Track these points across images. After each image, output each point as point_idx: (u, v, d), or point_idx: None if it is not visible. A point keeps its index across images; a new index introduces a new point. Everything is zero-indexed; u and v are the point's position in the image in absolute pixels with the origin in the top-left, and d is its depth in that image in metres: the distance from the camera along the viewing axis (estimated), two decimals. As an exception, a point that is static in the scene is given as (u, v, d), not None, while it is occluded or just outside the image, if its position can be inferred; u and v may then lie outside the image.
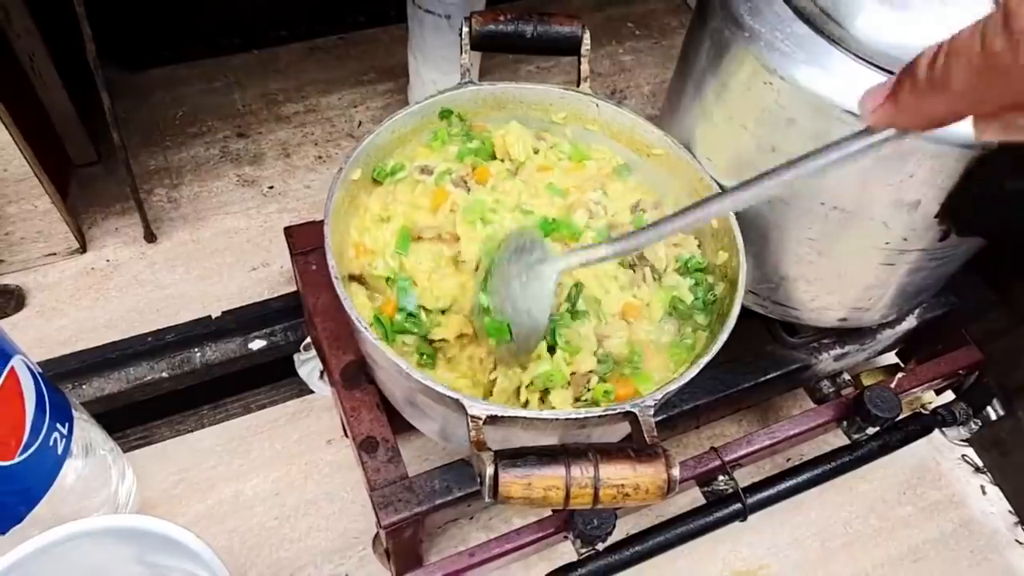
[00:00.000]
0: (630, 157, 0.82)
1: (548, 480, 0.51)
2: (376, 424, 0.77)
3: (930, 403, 1.11)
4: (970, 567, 1.00)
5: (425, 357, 0.69)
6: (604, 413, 0.58)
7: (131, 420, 0.99)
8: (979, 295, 0.98)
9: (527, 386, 0.66)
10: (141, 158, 1.21)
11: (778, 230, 0.75)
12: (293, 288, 1.06)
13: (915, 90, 0.37)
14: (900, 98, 0.39)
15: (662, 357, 0.70)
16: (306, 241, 0.88)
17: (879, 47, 0.62)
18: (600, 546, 0.81)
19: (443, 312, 0.70)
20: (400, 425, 0.79)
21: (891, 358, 1.10)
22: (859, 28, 0.63)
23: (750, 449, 0.88)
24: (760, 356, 0.89)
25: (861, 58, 0.62)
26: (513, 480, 0.51)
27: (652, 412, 0.58)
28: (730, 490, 0.87)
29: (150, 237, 1.11)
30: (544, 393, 0.66)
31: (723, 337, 0.65)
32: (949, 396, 1.08)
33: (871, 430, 0.91)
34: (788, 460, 1.04)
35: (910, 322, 0.93)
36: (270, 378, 1.05)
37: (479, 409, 0.57)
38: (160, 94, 1.31)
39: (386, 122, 0.75)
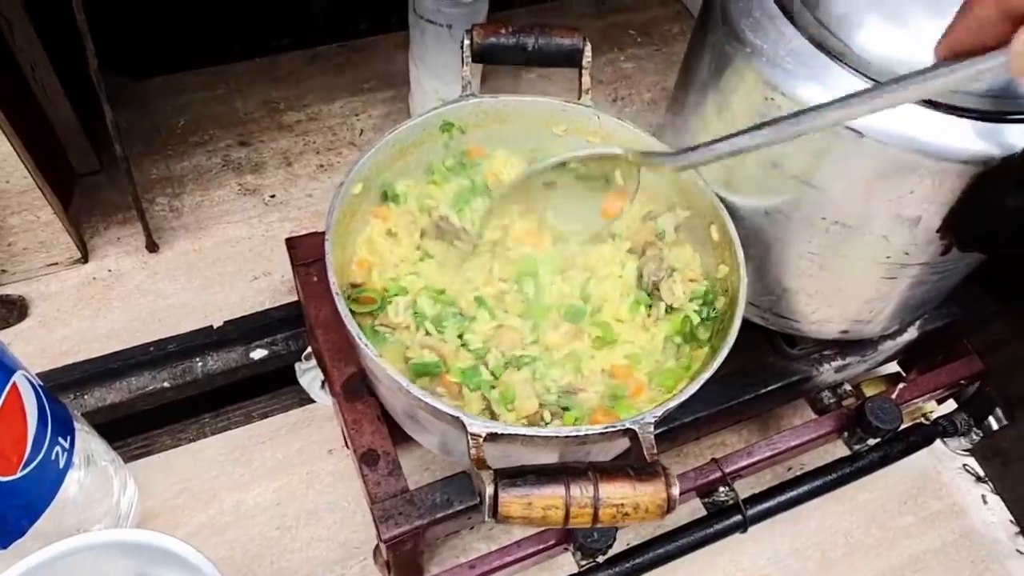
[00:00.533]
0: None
1: (548, 500, 0.51)
2: (377, 437, 0.77)
3: (931, 413, 1.11)
4: (971, 577, 1.00)
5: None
6: (604, 430, 0.58)
7: (133, 430, 1.00)
8: (981, 306, 0.98)
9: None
10: (143, 167, 1.21)
11: (779, 243, 0.75)
12: (294, 297, 1.06)
13: (965, 4, 0.37)
14: (956, 17, 0.38)
15: (654, 385, 0.71)
16: (308, 253, 0.88)
17: (881, 63, 0.62)
18: (600, 559, 0.81)
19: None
20: (401, 436, 0.79)
21: (893, 367, 1.10)
22: (860, 44, 0.63)
23: (751, 460, 0.88)
24: (761, 368, 0.89)
25: (863, 74, 0.62)
26: (513, 500, 0.51)
27: (652, 429, 0.58)
28: (731, 501, 0.87)
29: (152, 247, 1.12)
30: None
31: (724, 351, 0.65)
32: (951, 406, 1.08)
33: (872, 441, 0.91)
34: (789, 470, 1.04)
35: (911, 333, 0.93)
36: (271, 387, 1.05)
37: (479, 427, 0.57)
38: (162, 102, 1.31)
39: (387, 135, 0.76)
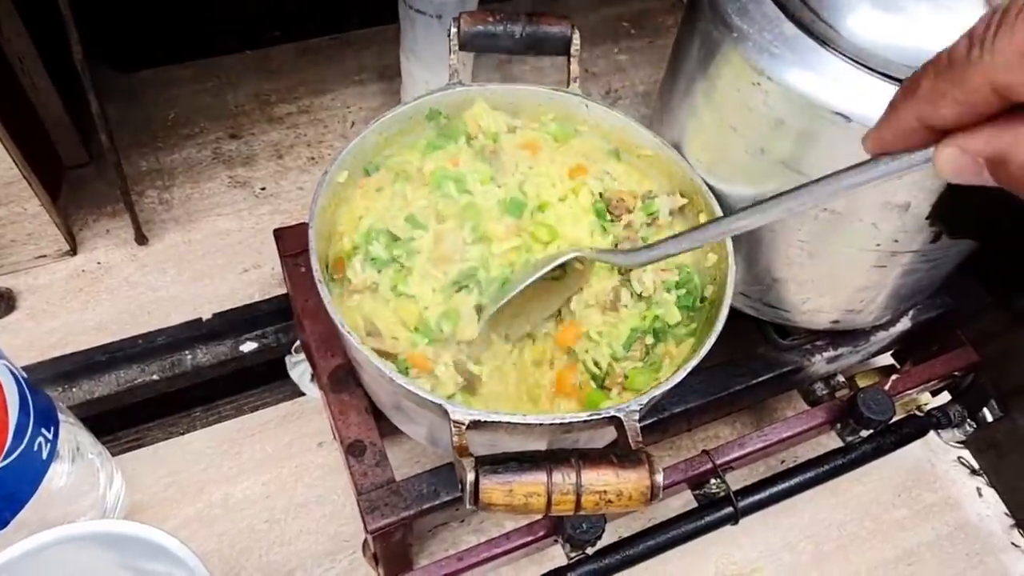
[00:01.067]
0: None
1: (529, 487, 0.50)
2: (364, 428, 0.77)
3: (925, 404, 1.10)
4: (966, 570, 0.99)
5: None
6: (589, 418, 0.58)
7: (122, 423, 0.99)
8: (975, 296, 0.97)
9: None
10: (132, 159, 1.21)
11: (769, 232, 0.74)
12: (284, 290, 1.05)
13: (892, 103, 0.37)
14: (884, 115, 0.38)
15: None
16: (295, 243, 0.87)
17: (869, 48, 0.62)
18: (590, 550, 0.80)
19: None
20: (389, 428, 0.78)
21: (886, 359, 1.09)
22: (849, 29, 0.63)
23: (742, 452, 0.88)
24: (752, 358, 0.89)
25: (851, 59, 0.61)
26: (494, 486, 0.50)
27: (637, 417, 0.57)
28: (722, 493, 0.87)
29: (141, 239, 1.11)
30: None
31: (711, 340, 0.65)
32: (945, 398, 1.07)
33: (865, 433, 0.90)
34: (782, 461, 1.04)
35: (904, 324, 0.92)
36: (261, 380, 1.05)
37: (461, 414, 0.56)
38: (152, 95, 1.30)
39: (373, 124, 0.75)
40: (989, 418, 1.01)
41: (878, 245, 0.70)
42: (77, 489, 0.79)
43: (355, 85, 1.36)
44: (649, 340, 0.70)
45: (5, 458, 0.67)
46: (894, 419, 0.90)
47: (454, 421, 0.56)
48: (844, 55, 0.62)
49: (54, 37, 0.94)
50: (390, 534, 0.74)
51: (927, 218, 0.67)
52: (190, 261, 1.11)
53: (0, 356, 0.69)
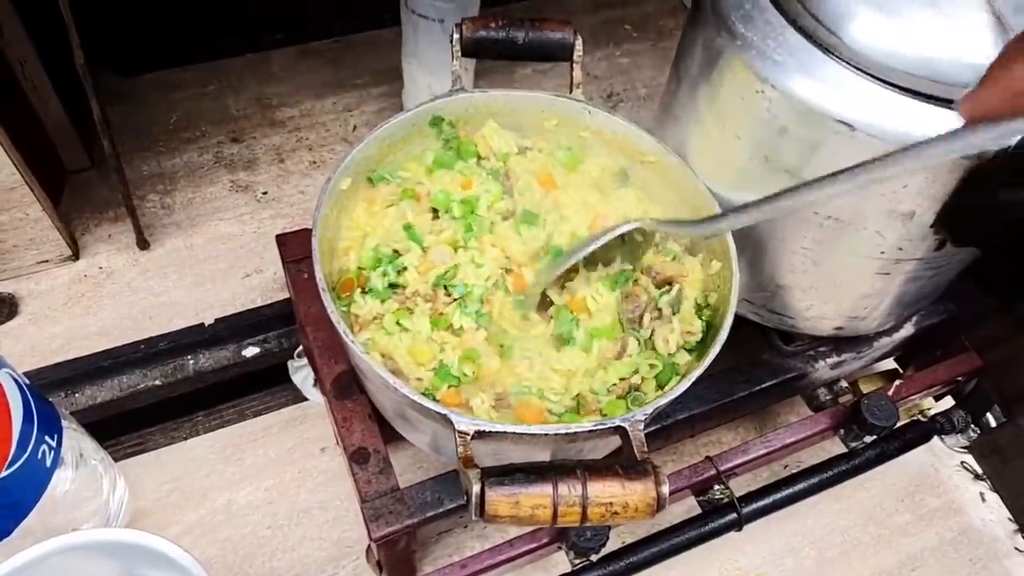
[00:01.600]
0: (623, 164, 0.82)
1: (535, 498, 0.50)
2: (367, 435, 0.77)
3: (929, 409, 1.10)
4: (969, 575, 0.99)
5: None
6: (594, 428, 0.58)
7: (124, 428, 0.99)
8: (978, 302, 0.97)
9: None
10: (134, 163, 1.20)
11: (773, 239, 0.74)
12: (287, 295, 1.05)
13: (991, 67, 0.36)
14: (988, 79, 0.37)
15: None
16: (298, 249, 0.87)
17: (872, 56, 0.61)
18: (594, 557, 0.80)
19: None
20: (392, 435, 0.78)
21: (890, 363, 1.09)
22: (852, 36, 0.62)
23: (746, 458, 0.87)
24: (756, 365, 0.88)
25: (854, 67, 0.61)
26: (500, 498, 0.50)
27: (643, 427, 0.57)
28: (726, 500, 0.87)
29: (143, 244, 1.11)
30: None
31: (716, 348, 0.64)
32: (948, 403, 1.07)
33: (868, 438, 0.90)
34: (785, 467, 1.03)
35: (908, 329, 0.92)
36: (264, 385, 1.05)
37: (467, 424, 0.56)
38: (154, 99, 1.30)
39: (376, 131, 0.75)
40: (992, 423, 1.01)
41: (882, 253, 0.70)
42: (80, 496, 0.79)
43: (356, 89, 1.36)
44: (636, 380, 0.69)
45: (9, 467, 0.67)
46: (898, 424, 0.90)
47: (459, 432, 0.56)
48: (847, 63, 0.62)
49: (55, 41, 0.94)
50: (394, 542, 0.74)
51: (931, 226, 0.67)
52: (192, 266, 1.11)
53: (3, 364, 0.69)
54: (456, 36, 0.76)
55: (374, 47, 1.42)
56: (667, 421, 0.83)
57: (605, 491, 0.51)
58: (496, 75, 1.39)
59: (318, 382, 0.91)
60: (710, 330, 0.70)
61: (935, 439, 1.02)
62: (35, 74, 1.04)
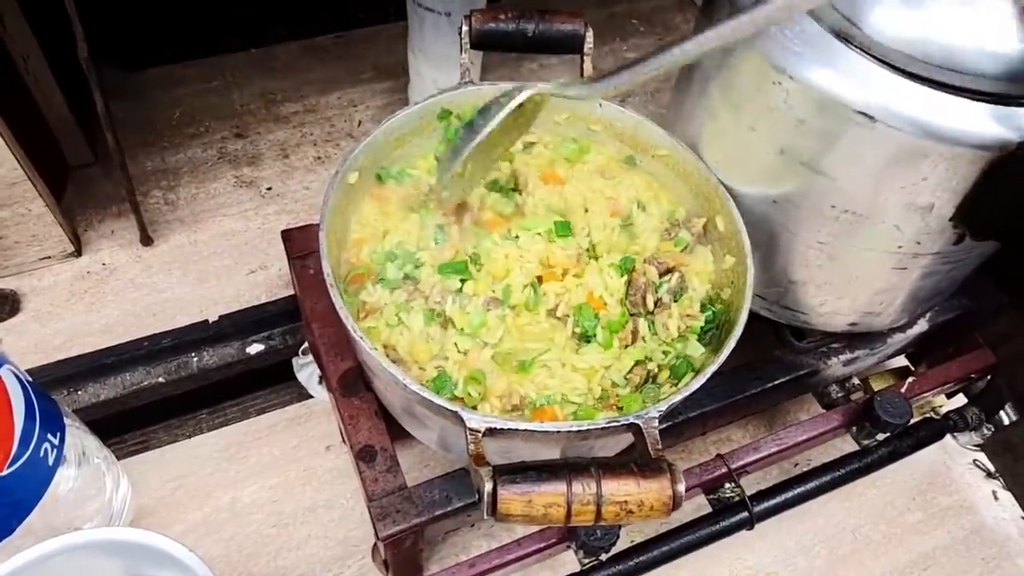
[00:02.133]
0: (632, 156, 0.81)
1: (549, 497, 0.49)
2: (374, 432, 0.76)
3: (941, 407, 1.08)
4: (982, 574, 0.98)
5: None
6: (607, 425, 0.57)
7: (128, 426, 0.98)
8: (992, 298, 0.96)
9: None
10: (138, 159, 1.19)
11: (787, 233, 0.73)
12: (291, 291, 1.04)
13: None
14: None
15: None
16: (304, 245, 0.86)
17: (892, 45, 0.60)
18: (603, 556, 0.79)
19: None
20: (399, 432, 0.77)
21: (901, 360, 1.08)
22: (871, 26, 0.61)
23: (757, 456, 0.86)
24: (768, 361, 0.87)
25: (873, 57, 0.60)
26: (513, 497, 0.49)
27: (657, 424, 0.56)
28: (737, 498, 0.85)
29: (146, 240, 1.10)
30: None
31: (731, 344, 0.64)
32: (961, 400, 1.06)
33: (881, 436, 0.89)
34: (796, 465, 1.02)
35: (921, 326, 0.91)
36: (268, 382, 1.03)
37: (478, 422, 0.55)
38: (157, 94, 1.29)
39: (384, 124, 0.74)
40: (1005, 421, 1.00)
41: (900, 247, 0.69)
42: (83, 494, 0.78)
43: (361, 84, 1.35)
44: (652, 367, 0.68)
45: (11, 465, 0.66)
46: (910, 422, 0.89)
47: (470, 429, 0.55)
48: (866, 53, 0.60)
49: (58, 36, 0.93)
50: (401, 541, 0.73)
51: (950, 219, 0.65)
52: (196, 262, 1.10)
53: (5, 361, 0.68)
54: (465, 28, 0.75)
55: (379, 42, 1.41)
56: (678, 418, 0.82)
57: (620, 489, 0.50)
58: (502, 71, 1.37)
59: (324, 379, 0.90)
60: (724, 325, 0.69)
61: (947, 437, 1.00)
62: (38, 69, 1.03)
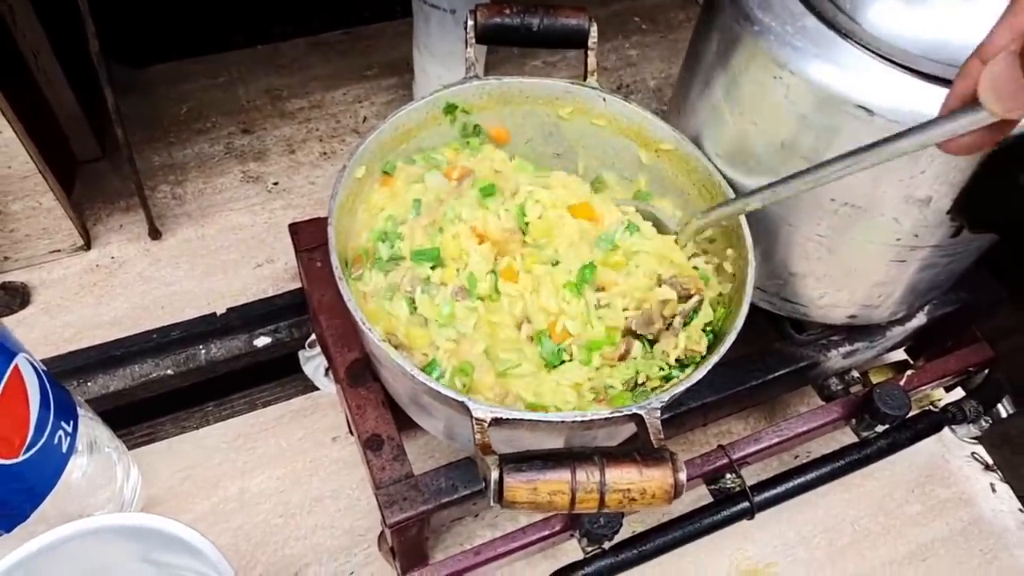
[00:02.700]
0: (636, 154, 0.81)
1: (553, 485, 0.50)
2: (381, 422, 0.77)
3: (939, 400, 1.10)
4: (979, 566, 0.99)
5: None
6: (610, 415, 0.58)
7: (136, 417, 0.99)
8: (990, 291, 0.97)
9: None
10: (145, 154, 1.21)
11: (787, 226, 0.74)
12: (298, 284, 1.05)
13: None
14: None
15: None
16: (311, 238, 0.87)
17: (892, 41, 0.61)
18: (606, 545, 0.80)
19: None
20: (405, 422, 0.78)
21: (900, 355, 1.09)
22: (871, 22, 0.62)
23: (758, 447, 0.88)
24: (768, 353, 0.88)
25: (873, 52, 0.61)
26: (518, 485, 0.50)
27: (659, 414, 0.57)
28: (737, 488, 0.87)
29: (155, 234, 1.11)
30: None
31: (732, 336, 0.65)
32: (959, 393, 1.07)
33: (880, 428, 0.90)
34: (796, 457, 1.03)
35: (920, 319, 0.92)
36: (275, 375, 1.05)
37: (484, 411, 0.56)
38: (164, 90, 1.30)
39: (390, 118, 0.75)
40: (1003, 413, 1.01)
41: (898, 240, 0.70)
42: (95, 482, 0.80)
43: (366, 80, 1.36)
44: (641, 379, 0.68)
45: (27, 451, 0.67)
46: (909, 415, 0.90)
47: (476, 419, 0.56)
48: (866, 48, 0.62)
49: (68, 32, 0.94)
50: (408, 528, 0.74)
51: (948, 212, 0.66)
52: (203, 256, 1.11)
53: (21, 349, 0.70)
54: (471, 23, 0.76)
55: (384, 38, 1.42)
56: (679, 409, 0.83)
57: (623, 478, 0.52)
58: (507, 66, 1.38)
59: (331, 370, 0.91)
60: (726, 317, 0.70)
61: (945, 430, 1.02)
62: (48, 65, 1.05)
